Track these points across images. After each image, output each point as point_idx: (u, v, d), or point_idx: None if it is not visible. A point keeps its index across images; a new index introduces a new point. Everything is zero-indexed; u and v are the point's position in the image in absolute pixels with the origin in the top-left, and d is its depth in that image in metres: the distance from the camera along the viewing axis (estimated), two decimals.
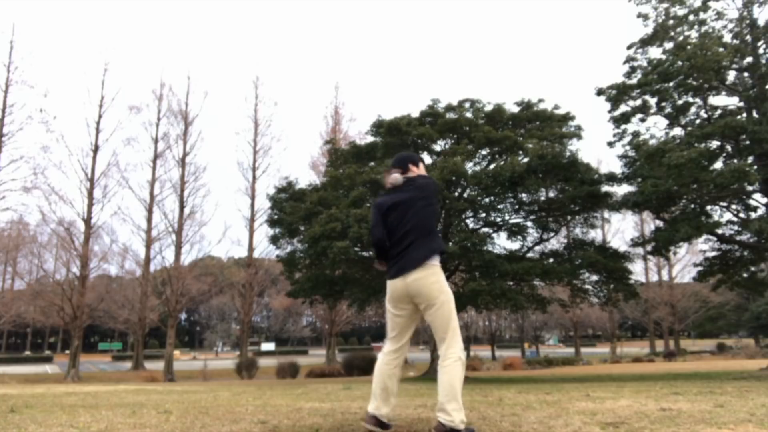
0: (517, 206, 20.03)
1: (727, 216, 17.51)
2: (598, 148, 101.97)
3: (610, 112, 17.99)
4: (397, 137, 19.45)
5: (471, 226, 20.47)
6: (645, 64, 17.60)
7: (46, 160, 50.02)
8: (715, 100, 17.42)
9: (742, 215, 17.17)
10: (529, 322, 60.57)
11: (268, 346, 66.85)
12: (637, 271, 38.99)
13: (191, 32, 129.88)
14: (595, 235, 23.95)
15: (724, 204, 17.40)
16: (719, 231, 16.99)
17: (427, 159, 20.76)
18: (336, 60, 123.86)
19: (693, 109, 17.35)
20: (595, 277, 19.31)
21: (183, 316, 79.18)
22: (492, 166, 18.98)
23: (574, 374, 22.11)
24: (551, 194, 19.10)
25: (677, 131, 17.71)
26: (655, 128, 19.37)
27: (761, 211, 16.73)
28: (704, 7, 16.76)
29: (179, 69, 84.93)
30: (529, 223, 20.39)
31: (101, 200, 34.40)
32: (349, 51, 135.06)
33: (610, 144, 18.28)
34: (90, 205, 33.90)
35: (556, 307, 25.31)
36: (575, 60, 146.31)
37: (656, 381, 11.00)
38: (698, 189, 15.84)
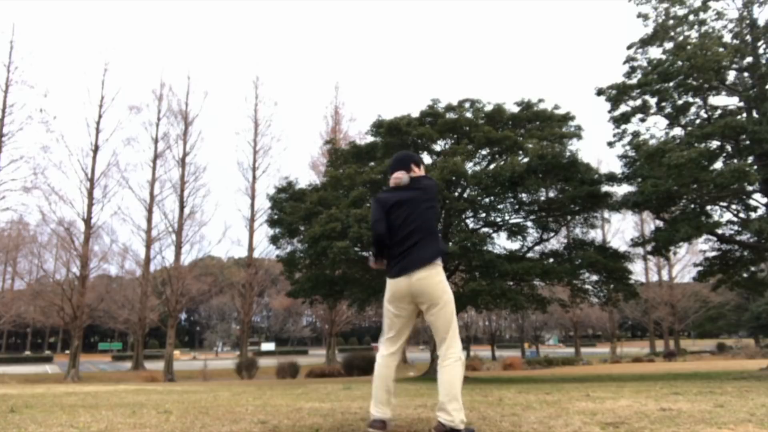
0: (517, 206, 20.02)
1: (727, 216, 17.53)
2: (598, 148, 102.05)
3: (610, 112, 17.99)
4: (397, 137, 19.45)
5: (471, 226, 20.47)
6: (645, 64, 17.60)
7: (46, 160, 50.05)
8: (715, 100, 17.44)
9: (742, 215, 17.17)
10: (529, 322, 60.57)
11: (268, 346, 66.85)
12: (637, 271, 39.03)
13: (191, 32, 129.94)
14: (595, 235, 23.98)
15: (724, 204, 17.40)
16: (719, 231, 16.98)
17: (427, 159, 20.76)
18: (336, 60, 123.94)
19: (693, 109, 17.35)
20: (595, 277, 19.31)
21: (183, 316, 79.19)
22: (492, 166, 18.98)
23: (574, 374, 22.11)
24: (551, 194, 19.10)
25: (677, 131, 17.72)
26: (655, 128, 19.39)
27: (761, 211, 16.72)
28: (704, 7, 16.75)
29: (179, 69, 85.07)
30: (529, 223, 20.38)
31: (101, 200, 34.46)
32: (349, 51, 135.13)
33: (610, 144, 18.28)
34: (90, 205, 33.92)
35: (556, 307, 25.31)
36: (575, 60, 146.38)
37: (656, 381, 11.00)
38: (698, 189, 15.83)
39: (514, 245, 20.80)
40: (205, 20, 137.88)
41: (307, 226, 18.91)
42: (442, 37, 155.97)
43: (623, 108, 17.73)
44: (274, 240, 21.83)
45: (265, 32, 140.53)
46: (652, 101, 17.35)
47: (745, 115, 16.38)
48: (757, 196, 16.77)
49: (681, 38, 16.81)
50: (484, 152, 20.18)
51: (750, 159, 15.68)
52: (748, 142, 15.54)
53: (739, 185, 15.04)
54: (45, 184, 32.45)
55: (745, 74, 16.78)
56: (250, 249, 37.51)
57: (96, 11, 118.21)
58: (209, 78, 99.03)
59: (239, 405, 5.51)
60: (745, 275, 18.39)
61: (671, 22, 17.05)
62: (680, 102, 16.98)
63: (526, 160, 17.74)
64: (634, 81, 17.47)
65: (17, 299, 38.96)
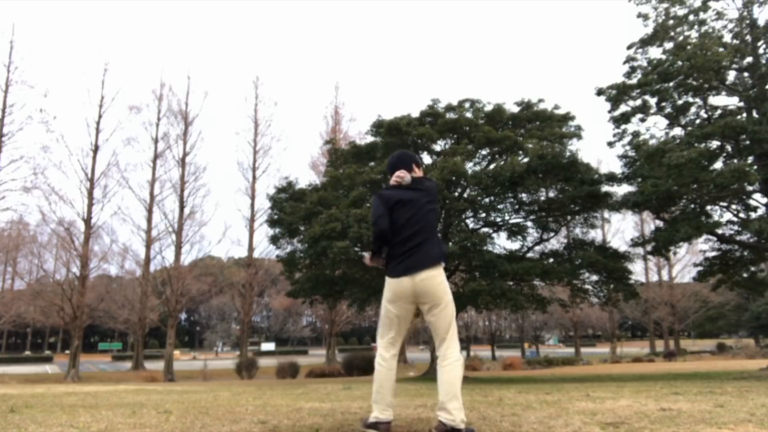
0: (517, 206, 20.02)
1: (727, 216, 17.54)
2: (598, 148, 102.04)
3: (610, 112, 17.99)
4: (397, 137, 19.45)
5: (471, 226, 20.47)
6: (645, 64, 17.60)
7: (46, 160, 50.12)
8: (715, 100, 17.44)
9: (742, 215, 17.17)
10: (529, 322, 60.58)
11: (268, 346, 66.86)
12: (637, 271, 39.02)
13: (191, 32, 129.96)
14: (595, 235, 23.97)
15: (724, 204, 17.40)
16: (719, 231, 16.98)
17: (427, 159, 20.77)
18: (336, 60, 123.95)
19: (693, 109, 17.35)
20: (595, 277, 19.31)
21: (183, 316, 79.19)
22: (492, 166, 18.97)
23: (574, 374, 22.11)
24: (551, 194, 19.10)
25: (677, 131, 17.72)
26: (655, 128, 19.39)
27: (761, 211, 16.72)
28: (704, 7, 16.75)
29: (179, 69, 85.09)
30: (529, 223, 20.38)
31: (101, 200, 34.48)
32: (349, 51, 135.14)
33: (610, 144, 18.28)
34: (90, 205, 33.93)
35: (556, 307, 25.31)
36: (575, 60, 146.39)
37: (656, 381, 11.00)
38: (698, 189, 15.83)
39: (514, 245, 20.83)
40: (205, 20, 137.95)
41: (307, 226, 18.91)
42: (442, 37, 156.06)
43: (623, 108, 17.73)
44: (274, 240, 21.83)
45: (265, 32, 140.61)
46: (652, 101, 17.35)
47: (745, 115, 16.38)
48: (757, 196, 16.77)
49: (681, 38, 16.81)
50: (484, 152, 20.18)
51: (750, 159, 15.68)
52: (748, 142, 15.54)
53: (739, 185, 15.04)
54: (45, 184, 32.53)
55: (745, 74, 16.77)
56: (250, 249, 37.52)
57: (96, 11, 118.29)
58: (209, 78, 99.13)
59: (239, 405, 5.51)
60: (745, 275, 18.38)
61: (671, 22, 17.05)
62: (680, 102, 16.98)
63: (526, 160, 17.73)
64: (634, 81, 17.47)
65: (17, 299, 38.96)
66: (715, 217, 16.78)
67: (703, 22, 16.79)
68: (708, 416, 3.96)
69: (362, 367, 26.58)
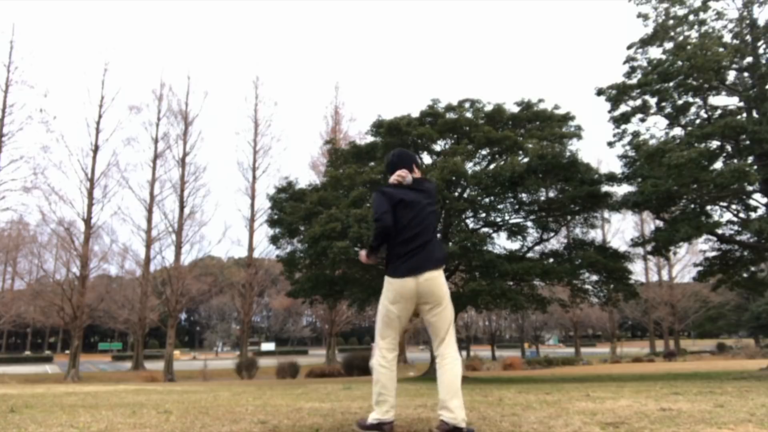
0: (517, 206, 20.02)
1: (727, 216, 17.53)
2: (598, 148, 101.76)
3: (610, 112, 17.98)
4: (397, 137, 19.45)
5: (471, 226, 20.47)
6: (645, 64, 17.59)
7: (46, 160, 50.14)
8: (715, 100, 17.43)
9: (742, 215, 17.16)
10: (529, 322, 60.59)
11: (268, 346, 66.87)
12: (637, 271, 39.03)
13: (191, 32, 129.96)
14: (595, 235, 23.97)
15: (724, 204, 17.40)
16: (719, 231, 16.98)
17: (427, 159, 20.78)
18: (336, 60, 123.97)
19: (693, 109, 17.35)
20: (595, 277, 19.31)
21: (183, 316, 79.21)
22: (492, 166, 18.97)
23: (574, 374, 22.10)
24: (551, 194, 19.10)
25: (677, 131, 17.71)
26: (655, 128, 19.38)
27: (761, 211, 16.72)
28: (704, 7, 16.75)
29: (179, 69, 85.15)
30: (529, 223, 20.38)
31: (101, 200, 34.51)
32: (349, 51, 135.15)
33: (610, 144, 18.28)
34: (90, 205, 33.94)
35: (556, 307, 25.31)
36: (575, 60, 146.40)
37: (656, 381, 11.00)
38: (698, 189, 15.83)
39: (514, 245, 20.83)
40: (205, 20, 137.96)
41: (307, 226, 18.91)
42: (442, 37, 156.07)
43: (623, 108, 17.73)
44: (274, 240, 21.83)
45: (265, 32, 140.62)
46: (652, 101, 17.34)
47: (745, 115, 16.37)
48: (757, 196, 16.77)
49: (681, 38, 16.81)
50: (484, 152, 20.18)
51: (750, 159, 15.68)
52: (748, 142, 15.53)
53: (739, 185, 15.04)
54: (45, 184, 32.55)
55: (745, 74, 16.77)
56: (250, 249, 37.53)
57: (96, 11, 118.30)
58: (209, 78, 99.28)
59: (239, 405, 5.51)
60: (745, 275, 18.38)
61: (671, 22, 17.05)
62: (680, 102, 16.98)
63: (526, 160, 17.73)
64: (634, 81, 17.46)
65: (17, 299, 38.98)
66: (715, 217, 16.78)
67: (703, 22, 16.79)
68: (708, 416, 3.96)
69: (362, 367, 26.58)
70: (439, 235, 19.68)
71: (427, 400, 5.71)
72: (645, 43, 17.67)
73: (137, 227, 36.59)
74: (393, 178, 3.51)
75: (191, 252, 43.22)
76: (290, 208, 20.14)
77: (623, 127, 17.85)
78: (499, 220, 20.58)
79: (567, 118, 19.73)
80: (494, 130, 18.64)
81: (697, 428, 3.46)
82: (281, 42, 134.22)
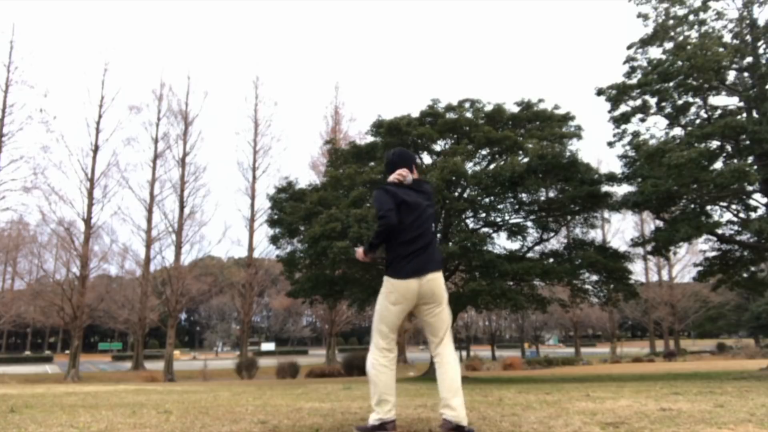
0: (517, 206, 20.02)
1: (727, 216, 17.53)
2: (598, 148, 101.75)
3: (610, 112, 17.99)
4: (397, 137, 19.45)
5: (471, 226, 20.47)
6: (645, 64, 17.59)
7: (46, 160, 50.08)
8: (715, 100, 17.43)
9: (742, 215, 17.16)
10: (529, 322, 60.59)
11: (268, 346, 66.87)
12: (637, 271, 39.03)
13: (191, 32, 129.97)
14: (595, 235, 23.98)
15: (724, 204, 17.40)
16: (719, 231, 16.98)
17: (427, 159, 20.77)
18: (336, 60, 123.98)
19: (693, 109, 17.35)
20: (595, 277, 19.31)
21: (183, 316, 79.21)
22: (492, 166, 18.97)
23: (574, 374, 22.10)
24: (551, 194, 19.10)
25: (677, 131, 17.71)
26: (655, 128, 19.39)
27: (761, 211, 16.72)
28: (704, 7, 16.75)
29: (179, 69, 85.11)
30: (529, 223, 20.38)
31: (101, 200, 34.49)
32: (349, 51, 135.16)
33: (610, 144, 18.28)
34: (90, 205, 33.93)
35: (556, 307, 25.31)
36: (575, 60, 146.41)
37: (656, 381, 11.00)
38: (698, 189, 15.83)
39: (514, 245, 20.83)
40: (205, 20, 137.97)
41: (307, 226, 18.91)
42: (442, 37, 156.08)
43: (623, 108, 17.73)
44: (274, 240, 21.84)
45: (265, 32, 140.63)
46: (652, 101, 17.34)
47: (745, 115, 16.37)
48: (757, 196, 16.77)
49: (681, 38, 16.80)
50: (484, 152, 20.18)
51: (750, 159, 15.68)
52: (748, 142, 15.53)
53: (739, 185, 15.04)
54: (45, 184, 32.54)
55: (745, 74, 16.77)
56: (250, 249, 37.52)
57: (96, 11, 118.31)
58: (209, 78, 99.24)
59: (239, 405, 5.51)
60: (745, 275, 18.38)
61: (671, 22, 17.05)
62: (680, 102, 16.98)
63: (526, 160, 17.73)
64: (634, 81, 17.46)
65: (17, 299, 38.98)
66: (715, 217, 16.78)
67: (703, 22, 16.79)
68: (708, 416, 3.96)
69: (362, 367, 26.38)
70: (438, 236, 19.79)
71: (427, 400, 5.71)
72: (645, 43, 17.67)
73: (137, 227, 36.62)
74: (393, 177, 3.50)
75: (191, 252, 43.27)
76: (290, 208, 20.14)
77: (623, 127, 17.85)
78: (499, 220, 20.59)
79: (567, 118, 19.73)
80: (494, 130, 18.64)
81: (697, 428, 3.46)
82: (281, 42, 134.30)
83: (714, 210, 17.23)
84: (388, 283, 3.37)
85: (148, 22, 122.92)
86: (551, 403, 5.12)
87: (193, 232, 35.76)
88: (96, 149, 34.62)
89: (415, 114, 20.19)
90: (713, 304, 49.71)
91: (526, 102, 20.15)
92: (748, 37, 16.65)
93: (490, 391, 7.31)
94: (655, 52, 17.59)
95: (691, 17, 16.87)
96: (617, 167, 24.51)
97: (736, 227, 17.33)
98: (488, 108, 20.17)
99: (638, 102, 17.54)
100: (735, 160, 15.50)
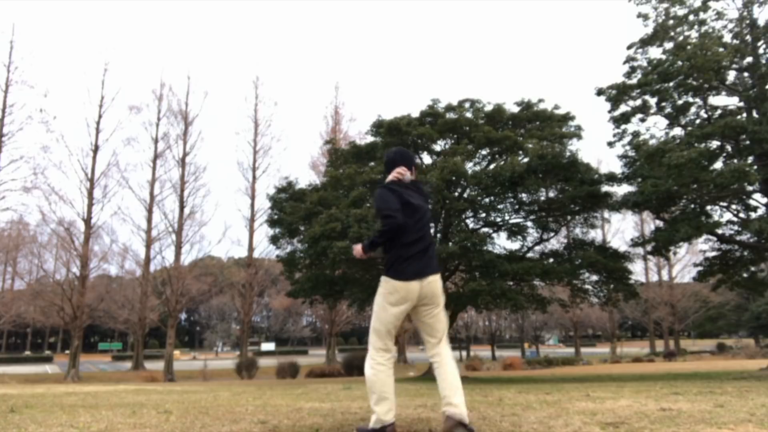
0: (517, 206, 20.02)
1: (727, 216, 17.52)
2: (598, 148, 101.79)
3: (610, 112, 17.98)
4: (397, 137, 19.45)
5: (471, 226, 20.46)
6: (645, 64, 17.58)
7: (46, 160, 50.18)
8: (715, 100, 17.42)
9: (742, 215, 17.16)
10: (529, 322, 60.58)
11: (268, 346, 66.86)
12: (637, 271, 39.03)
13: (191, 32, 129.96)
14: (595, 235, 23.97)
15: (724, 204, 17.39)
16: (719, 231, 16.97)
17: (427, 159, 20.77)
18: (336, 60, 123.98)
19: (693, 109, 17.34)
20: (595, 277, 19.31)
21: (183, 316, 79.21)
22: (492, 166, 18.97)
23: (574, 374, 22.10)
24: (551, 194, 19.10)
25: (677, 131, 17.71)
26: (655, 128, 19.39)
27: (761, 211, 16.72)
28: (704, 7, 16.74)
29: (179, 69, 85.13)
30: (529, 223, 20.38)
31: (101, 200, 34.50)
32: (349, 51, 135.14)
33: (610, 144, 18.27)
34: (90, 205, 33.93)
35: (556, 307, 25.30)
36: (575, 60, 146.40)
37: (656, 381, 11.00)
38: (698, 189, 15.83)
39: (514, 245, 20.83)
40: (205, 20, 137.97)
41: (307, 226, 18.91)
42: (442, 37, 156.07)
43: (623, 108, 17.72)
44: (274, 240, 21.83)
45: (265, 32, 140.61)
46: (652, 101, 17.34)
47: (745, 115, 16.37)
48: (757, 196, 16.76)
49: (681, 38, 16.80)
50: (484, 152, 20.18)
51: (750, 159, 15.67)
52: (748, 142, 15.53)
53: (739, 185, 15.03)
54: (45, 184, 32.55)
55: (745, 74, 16.77)
56: (250, 249, 37.52)
57: (96, 11, 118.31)
58: (209, 78, 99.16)
59: (239, 405, 5.51)
60: (745, 275, 18.37)
61: (671, 22, 17.04)
62: (680, 102, 16.97)
63: (526, 160, 17.73)
64: (634, 81, 17.45)
65: (17, 299, 38.96)
66: (715, 217, 16.77)
67: (703, 22, 16.78)
68: (708, 416, 3.96)
69: (362, 367, 26.09)
70: (439, 236, 19.78)
71: (427, 400, 5.71)
72: (645, 43, 17.66)
73: (137, 227, 36.62)
74: (393, 175, 3.49)
75: (191, 252, 43.27)
76: (290, 208, 20.14)
77: (623, 127, 17.84)
78: (499, 220, 20.58)
79: (567, 118, 19.73)
80: (494, 130, 18.64)
81: (697, 428, 3.46)
82: (281, 42, 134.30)
83: (714, 210, 17.23)
84: (389, 285, 3.35)
85: (148, 22, 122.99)
86: (551, 403, 5.12)
87: (193, 232, 35.82)
88: (96, 149, 34.63)
89: (415, 114, 20.20)
90: (713, 304, 49.72)
91: (526, 102, 20.14)
92: (748, 37, 16.65)
93: (490, 391, 7.31)
94: (655, 52, 17.61)
95: (691, 17, 16.86)
96: (617, 167, 24.54)
97: (736, 227, 17.32)
98: (488, 108, 20.17)
99: (638, 102, 17.54)
100: (735, 160, 15.50)
